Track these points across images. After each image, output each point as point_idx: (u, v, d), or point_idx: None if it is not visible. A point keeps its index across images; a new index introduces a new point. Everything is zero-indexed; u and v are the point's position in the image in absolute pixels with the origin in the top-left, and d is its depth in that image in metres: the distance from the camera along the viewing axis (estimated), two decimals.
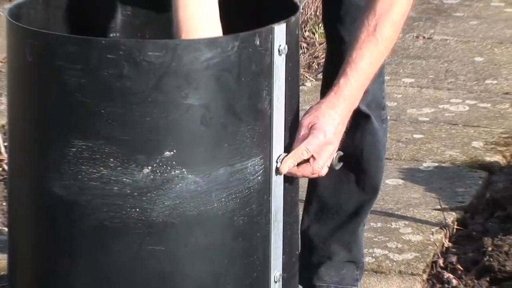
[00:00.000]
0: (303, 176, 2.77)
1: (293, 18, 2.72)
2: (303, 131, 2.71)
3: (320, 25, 4.77)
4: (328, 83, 3.13)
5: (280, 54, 2.65)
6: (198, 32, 2.76)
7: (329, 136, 2.71)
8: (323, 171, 2.74)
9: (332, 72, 3.13)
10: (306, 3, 6.19)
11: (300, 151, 2.69)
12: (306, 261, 3.24)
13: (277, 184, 2.72)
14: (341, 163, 2.79)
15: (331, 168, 2.76)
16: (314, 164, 2.70)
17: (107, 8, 3.03)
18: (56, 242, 2.69)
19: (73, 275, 2.67)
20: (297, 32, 2.79)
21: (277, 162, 2.70)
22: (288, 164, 2.69)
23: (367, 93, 3.12)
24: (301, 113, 2.83)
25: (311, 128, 2.70)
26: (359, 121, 3.16)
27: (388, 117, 3.40)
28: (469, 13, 7.02)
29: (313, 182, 3.31)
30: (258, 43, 2.60)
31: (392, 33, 2.80)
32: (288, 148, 2.73)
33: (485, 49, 6.29)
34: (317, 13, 6.11)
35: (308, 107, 2.80)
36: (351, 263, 3.40)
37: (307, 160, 2.71)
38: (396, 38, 2.86)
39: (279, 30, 2.64)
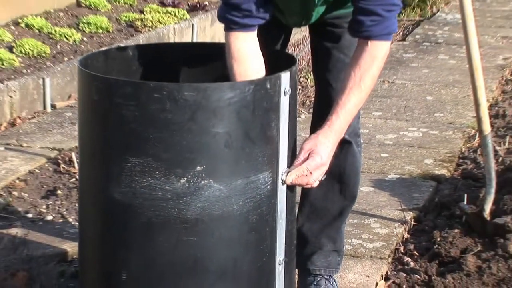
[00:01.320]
0: (299, 185, 2.78)
1: (293, 68, 2.72)
2: (304, 154, 2.72)
3: (311, 72, 4.74)
4: (317, 116, 3.18)
5: (285, 95, 2.65)
6: (247, 59, 2.84)
7: (324, 159, 2.72)
8: (315, 184, 2.75)
9: (320, 108, 3.16)
10: (301, 57, 6.19)
11: (302, 169, 2.69)
12: (301, 251, 3.23)
13: (282, 192, 2.72)
14: (325, 176, 2.80)
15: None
16: (310, 178, 2.71)
17: (148, 58, 3.04)
18: (114, 234, 2.69)
19: (128, 259, 2.66)
20: (296, 78, 2.78)
21: (282, 175, 2.69)
22: (292, 178, 2.70)
23: (349, 126, 3.12)
24: (298, 138, 2.84)
25: (310, 152, 2.71)
26: (343, 146, 3.15)
27: (362, 141, 3.38)
28: (422, 64, 7.02)
29: (306, 191, 3.32)
30: (268, 86, 2.60)
31: (371, 83, 2.83)
32: (289, 164, 2.73)
33: (434, 90, 6.29)
34: (308, 64, 6.12)
35: (302, 134, 2.81)
36: (335, 252, 3.38)
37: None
38: (374, 86, 2.90)
39: (285, 77, 2.64)
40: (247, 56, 2.85)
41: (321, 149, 2.72)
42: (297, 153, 2.76)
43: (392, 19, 2.83)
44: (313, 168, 2.70)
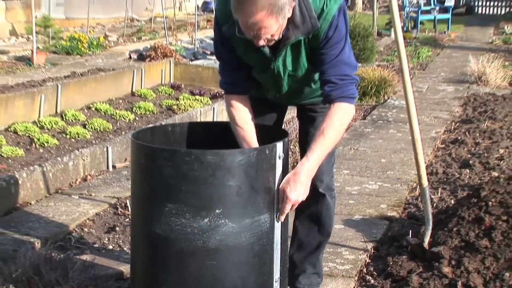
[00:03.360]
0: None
1: (286, 139, 2.72)
2: (281, 194, 2.67)
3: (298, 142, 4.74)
4: None
5: (279, 158, 2.64)
6: (241, 108, 2.88)
7: (294, 199, 2.66)
8: (293, 209, 2.74)
9: None
10: (291, 131, 6.20)
11: (284, 211, 2.68)
12: (291, 273, 3.18)
13: (277, 228, 2.70)
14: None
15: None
16: (292, 210, 2.72)
17: (182, 132, 3.04)
18: (156, 260, 2.66)
19: (166, 279, 2.63)
20: (288, 146, 2.77)
21: (276, 217, 2.68)
22: (282, 218, 2.70)
23: (323, 182, 3.09)
24: None
25: (284, 194, 2.66)
26: (319, 198, 3.13)
27: (335, 193, 3.35)
28: (378, 136, 7.01)
29: (295, 231, 3.27)
30: (267, 152, 2.60)
31: (334, 135, 2.75)
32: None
33: (386, 155, 6.27)
34: (296, 136, 6.12)
35: None
36: (316, 274, 3.34)
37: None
38: (339, 138, 2.81)
39: (279, 145, 2.64)
40: (241, 106, 2.88)
41: (290, 193, 2.64)
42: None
43: (348, 86, 2.76)
44: (290, 206, 2.67)
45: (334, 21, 2.71)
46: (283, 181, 2.68)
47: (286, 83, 2.93)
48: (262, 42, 2.64)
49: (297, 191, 2.66)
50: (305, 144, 3.10)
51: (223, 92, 3.03)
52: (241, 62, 2.87)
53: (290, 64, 2.83)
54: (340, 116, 2.75)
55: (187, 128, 3.06)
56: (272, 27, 2.56)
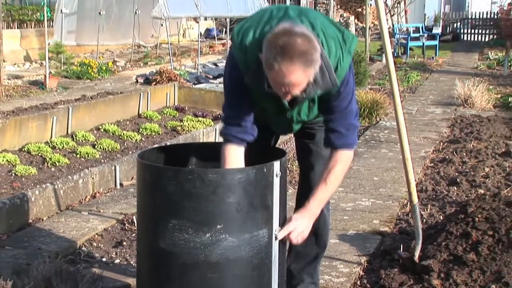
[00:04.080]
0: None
1: (283, 158, 2.72)
2: (288, 220, 2.75)
3: (295, 161, 4.73)
4: (300, 189, 3.19)
5: (276, 177, 2.64)
6: (233, 162, 2.75)
7: (299, 220, 2.75)
8: (294, 241, 2.79)
9: (302, 185, 3.14)
10: (289, 150, 6.19)
11: (284, 232, 2.72)
12: (289, 283, 3.17)
13: (275, 243, 2.68)
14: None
15: None
16: (290, 236, 2.75)
17: (185, 152, 3.03)
18: (161, 272, 2.64)
19: None
20: (285, 165, 2.77)
21: (275, 233, 2.67)
22: (281, 235, 2.70)
23: None
24: (287, 207, 2.80)
25: (291, 219, 2.74)
26: None
27: (330, 208, 3.34)
28: (370, 155, 7.00)
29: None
30: (265, 170, 2.60)
31: (335, 180, 2.82)
32: (280, 225, 2.70)
33: (378, 173, 6.26)
34: (294, 155, 6.11)
35: (290, 203, 2.80)
36: (313, 284, 3.33)
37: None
38: (339, 183, 2.88)
39: (276, 164, 2.64)
40: (236, 164, 2.72)
41: (298, 217, 2.74)
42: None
43: (351, 135, 2.81)
44: (292, 227, 2.72)
45: (346, 77, 2.73)
46: (296, 212, 2.78)
47: (296, 125, 2.98)
48: (289, 97, 2.63)
49: (303, 218, 2.75)
50: (304, 160, 3.11)
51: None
52: (252, 106, 2.77)
53: (304, 113, 2.87)
54: (342, 164, 2.82)
55: (191, 148, 3.06)
56: (303, 84, 2.53)
